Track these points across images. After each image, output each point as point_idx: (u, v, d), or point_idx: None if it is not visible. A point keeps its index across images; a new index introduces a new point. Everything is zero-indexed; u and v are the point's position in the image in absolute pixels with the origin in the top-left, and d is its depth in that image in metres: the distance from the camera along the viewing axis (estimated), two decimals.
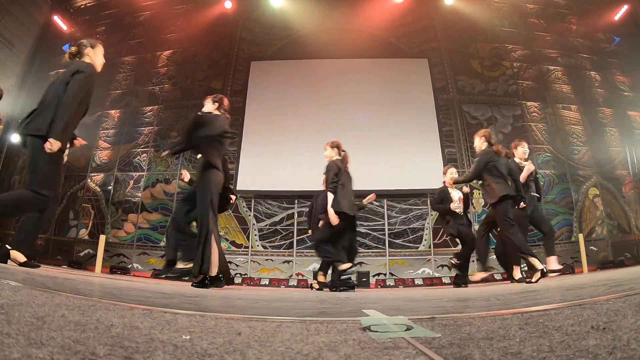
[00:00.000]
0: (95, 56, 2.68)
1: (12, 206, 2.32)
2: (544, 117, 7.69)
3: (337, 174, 3.74)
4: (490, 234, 4.10)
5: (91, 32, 9.36)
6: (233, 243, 6.97)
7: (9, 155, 8.57)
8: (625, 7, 8.24)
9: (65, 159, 2.62)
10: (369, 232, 6.80)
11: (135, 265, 6.92)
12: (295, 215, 7.03)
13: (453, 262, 4.61)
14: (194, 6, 8.87)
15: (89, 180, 7.75)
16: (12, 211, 2.47)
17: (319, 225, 4.30)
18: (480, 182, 3.81)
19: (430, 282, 6.40)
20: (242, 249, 6.91)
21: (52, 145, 2.28)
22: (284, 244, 6.86)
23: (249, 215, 7.10)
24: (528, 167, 4.08)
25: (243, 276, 6.64)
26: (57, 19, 9.12)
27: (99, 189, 7.67)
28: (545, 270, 3.39)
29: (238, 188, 7.15)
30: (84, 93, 2.41)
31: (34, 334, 0.59)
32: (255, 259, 6.82)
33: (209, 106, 3.26)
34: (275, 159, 7.28)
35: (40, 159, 2.27)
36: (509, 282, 4.15)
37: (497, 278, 6.24)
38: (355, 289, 3.86)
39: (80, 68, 2.46)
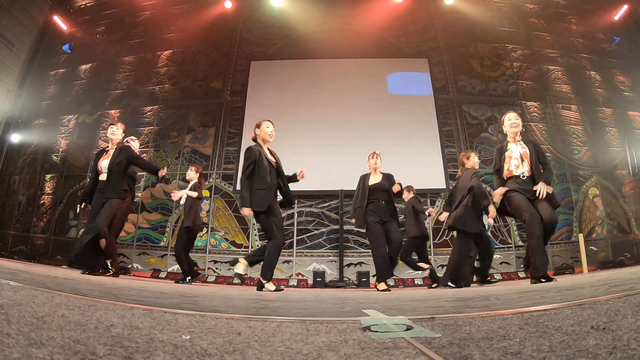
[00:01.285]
0: (262, 133, 3.51)
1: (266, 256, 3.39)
2: (544, 117, 7.69)
3: None
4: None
5: (91, 32, 9.37)
6: (233, 243, 6.97)
7: (9, 155, 8.57)
8: (625, 7, 8.24)
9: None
10: None
11: (135, 265, 6.92)
12: (295, 215, 7.02)
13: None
14: (194, 6, 8.86)
15: (88, 180, 7.75)
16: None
17: None
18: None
19: (430, 282, 6.39)
20: (242, 249, 6.91)
21: (244, 211, 3.24)
22: (284, 244, 6.86)
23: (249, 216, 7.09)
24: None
25: (243, 276, 6.64)
26: (57, 19, 9.12)
27: None
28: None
29: (238, 188, 7.15)
30: (250, 169, 3.29)
31: (34, 334, 0.59)
32: None
33: None
34: None
35: (262, 220, 3.29)
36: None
37: (498, 278, 6.24)
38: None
39: (246, 152, 3.36)
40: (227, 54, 8.49)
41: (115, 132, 4.08)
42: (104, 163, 3.94)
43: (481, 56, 8.20)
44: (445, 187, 7.00)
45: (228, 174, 7.39)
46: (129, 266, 6.86)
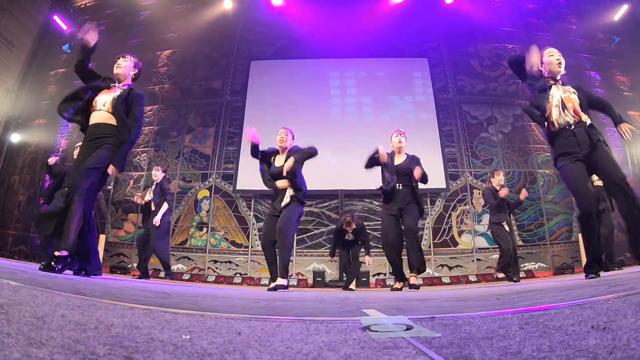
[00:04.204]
0: None
1: None
2: None
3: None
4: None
5: None
6: (233, 243, 6.97)
7: (9, 155, 8.57)
8: (625, 7, 8.23)
9: None
10: (369, 232, 6.78)
11: (135, 265, 6.90)
12: None
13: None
14: (194, 6, 8.86)
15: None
16: None
17: None
18: None
19: (430, 282, 6.40)
20: (242, 249, 6.91)
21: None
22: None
23: (249, 215, 7.10)
24: None
25: (243, 276, 6.64)
26: (57, 19, 9.11)
27: None
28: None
29: (238, 188, 7.15)
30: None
31: (34, 333, 0.59)
32: (255, 259, 6.82)
33: None
34: None
35: None
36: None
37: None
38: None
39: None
40: (227, 54, 8.49)
41: (121, 65, 3.05)
42: (102, 98, 2.93)
43: (481, 56, 8.20)
44: (445, 186, 7.00)
45: (228, 173, 7.39)
46: (129, 266, 6.86)
